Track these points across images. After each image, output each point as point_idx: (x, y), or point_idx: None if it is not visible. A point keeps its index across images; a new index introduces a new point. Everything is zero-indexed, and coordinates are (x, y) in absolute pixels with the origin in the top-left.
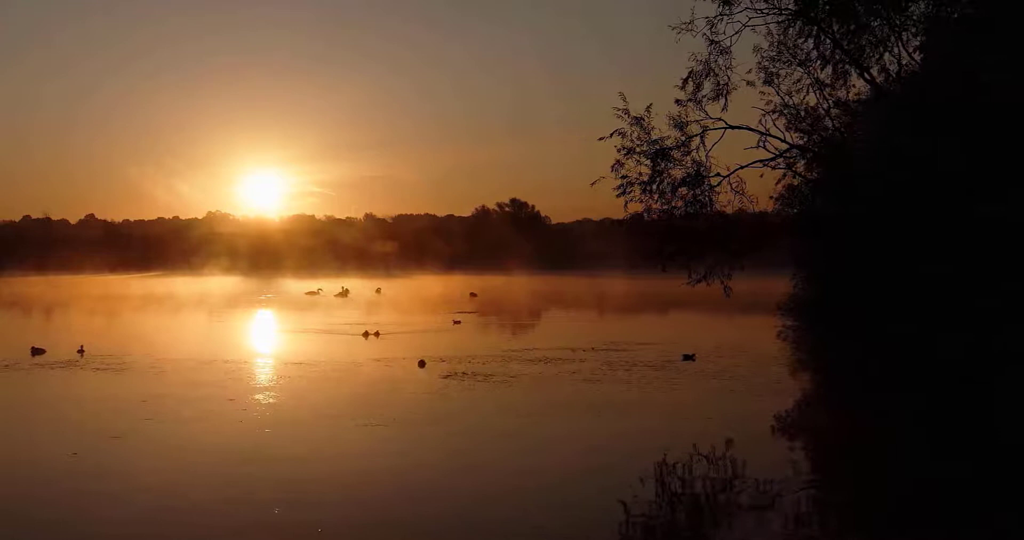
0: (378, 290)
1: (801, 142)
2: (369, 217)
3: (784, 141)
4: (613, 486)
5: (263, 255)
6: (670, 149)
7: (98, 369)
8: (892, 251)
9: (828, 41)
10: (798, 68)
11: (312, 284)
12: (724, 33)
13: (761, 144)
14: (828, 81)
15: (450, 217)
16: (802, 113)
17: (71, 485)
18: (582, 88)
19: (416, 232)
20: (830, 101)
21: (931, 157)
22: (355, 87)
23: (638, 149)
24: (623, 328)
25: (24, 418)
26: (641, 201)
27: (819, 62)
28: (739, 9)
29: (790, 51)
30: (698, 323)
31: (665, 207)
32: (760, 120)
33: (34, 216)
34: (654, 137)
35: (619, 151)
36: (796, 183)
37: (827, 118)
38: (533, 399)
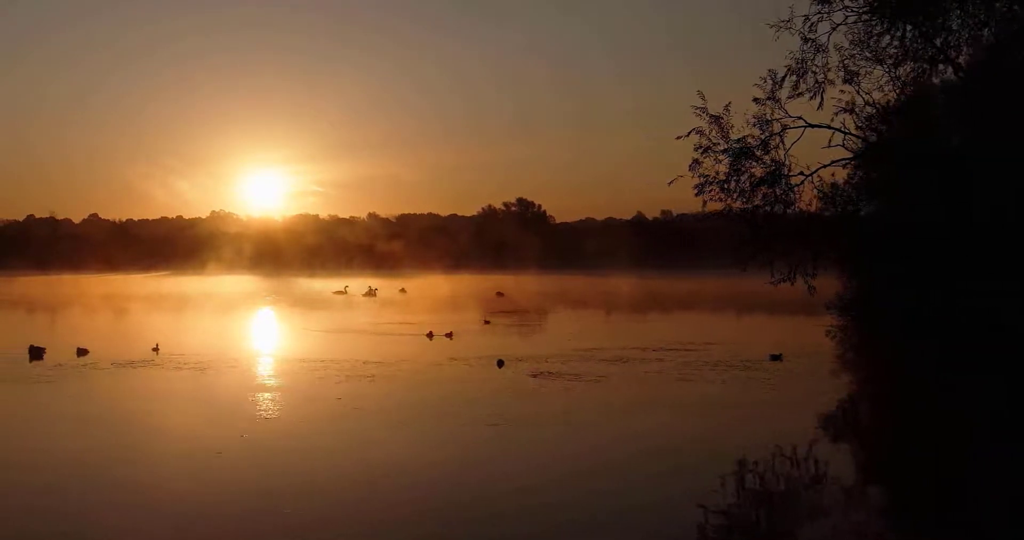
0: (402, 290)
1: (874, 140)
2: (373, 216)
3: (864, 140)
4: (701, 485)
5: (271, 254)
6: (753, 148)
7: (180, 368)
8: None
9: (912, 34)
10: (878, 66)
11: (331, 283)
12: (816, 31)
13: (841, 143)
14: (908, 79)
15: (453, 216)
16: (879, 112)
17: (237, 481)
18: (583, 87)
19: (422, 231)
20: (905, 99)
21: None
22: (356, 86)
23: (716, 147)
24: (674, 328)
25: (146, 416)
26: (720, 200)
27: (902, 58)
28: (837, 7)
29: (871, 49)
30: (749, 322)
31: (746, 206)
32: (832, 119)
33: (38, 215)
34: (733, 136)
35: (696, 150)
36: (841, 182)
37: (901, 116)
38: (634, 398)
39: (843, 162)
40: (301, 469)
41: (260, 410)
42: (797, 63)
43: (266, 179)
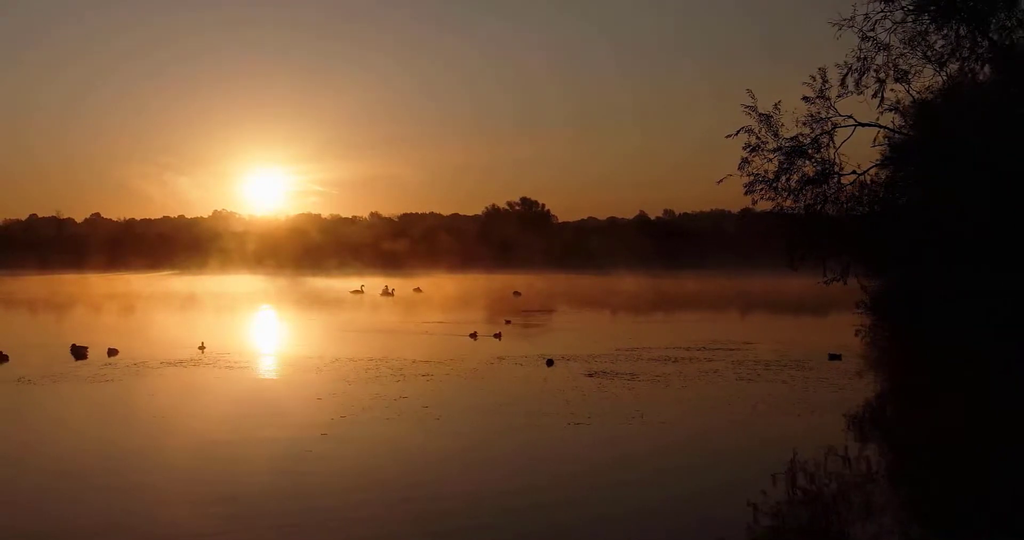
0: (417, 289)
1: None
2: (375, 216)
3: (915, 138)
4: (772, 485)
5: (274, 254)
6: (805, 147)
7: (232, 368)
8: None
9: (965, 31)
10: (928, 64)
11: (339, 282)
12: (875, 30)
13: (889, 141)
14: (957, 77)
15: (455, 216)
16: (919, 109)
17: (319, 478)
18: (587, 86)
19: (426, 230)
20: (946, 97)
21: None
22: (358, 85)
23: (766, 146)
24: (706, 326)
25: (224, 416)
26: (770, 198)
27: (949, 56)
28: (897, 7)
29: (921, 48)
30: (782, 320)
31: (797, 205)
32: (878, 117)
33: (41, 214)
34: (783, 135)
35: (745, 149)
36: (869, 181)
37: (938, 114)
38: (700, 398)
39: (896, 160)
40: (393, 464)
41: (331, 409)
42: (858, 61)
43: (268, 179)
